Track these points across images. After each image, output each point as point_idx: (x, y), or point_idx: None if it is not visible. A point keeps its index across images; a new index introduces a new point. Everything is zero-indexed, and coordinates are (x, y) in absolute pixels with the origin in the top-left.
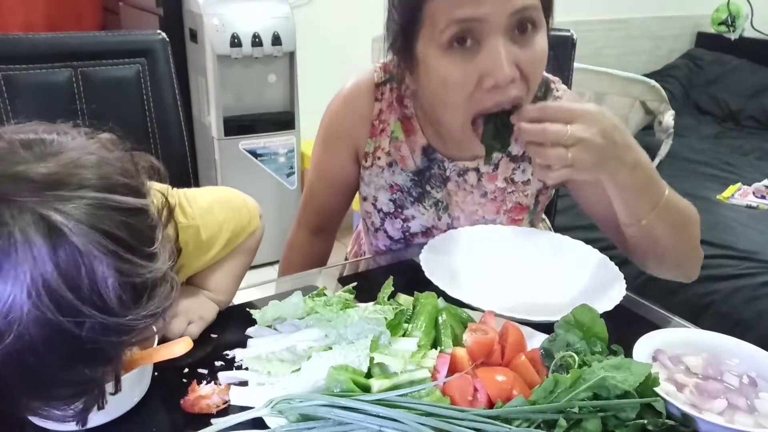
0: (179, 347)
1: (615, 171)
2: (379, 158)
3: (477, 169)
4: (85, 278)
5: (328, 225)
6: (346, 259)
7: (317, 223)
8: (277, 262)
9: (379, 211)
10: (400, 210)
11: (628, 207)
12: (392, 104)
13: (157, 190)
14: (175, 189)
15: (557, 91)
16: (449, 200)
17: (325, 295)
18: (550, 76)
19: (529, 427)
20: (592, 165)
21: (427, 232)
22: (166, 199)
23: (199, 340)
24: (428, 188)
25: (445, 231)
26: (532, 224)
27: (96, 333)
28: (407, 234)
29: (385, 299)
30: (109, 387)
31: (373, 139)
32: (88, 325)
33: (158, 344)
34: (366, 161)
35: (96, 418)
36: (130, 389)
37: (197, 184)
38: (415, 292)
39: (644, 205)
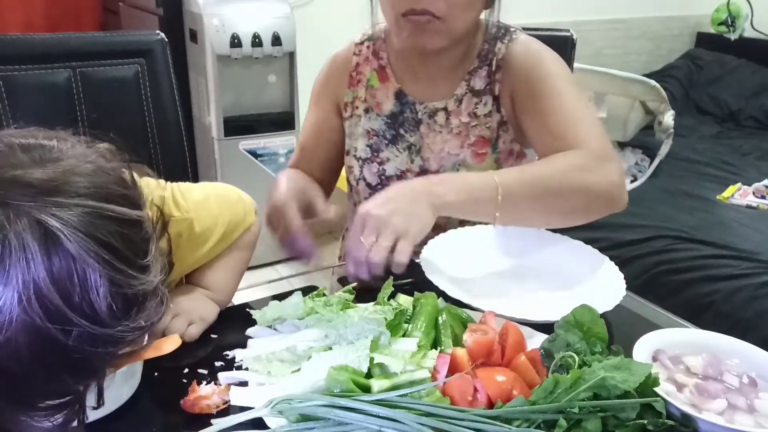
0: (168, 345)
1: (443, 201)
2: (357, 107)
3: (445, 108)
4: (77, 286)
5: (319, 175)
6: (340, 258)
7: (307, 169)
8: (277, 262)
9: (359, 159)
10: (376, 154)
11: (480, 216)
12: (368, 58)
13: (154, 203)
14: (168, 183)
15: (515, 34)
16: (422, 143)
17: (325, 295)
18: (516, 26)
19: (529, 427)
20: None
21: (402, 176)
22: (161, 212)
23: (200, 341)
24: (402, 132)
25: (417, 174)
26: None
27: (83, 343)
28: (383, 178)
29: (385, 299)
30: (92, 401)
31: (351, 90)
32: (75, 334)
33: None
34: (346, 112)
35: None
36: (119, 387)
37: None
38: (415, 292)
39: (487, 206)
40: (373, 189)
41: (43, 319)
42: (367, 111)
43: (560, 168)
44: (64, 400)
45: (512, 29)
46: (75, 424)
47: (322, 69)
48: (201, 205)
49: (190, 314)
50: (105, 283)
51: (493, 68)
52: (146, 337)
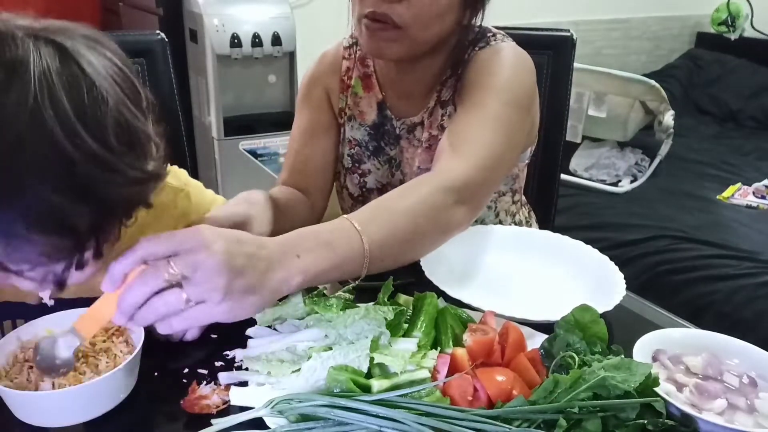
0: (107, 310)
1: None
2: (346, 113)
3: (422, 123)
4: (85, 94)
5: (314, 184)
6: None
7: (297, 182)
8: None
9: (344, 167)
10: (357, 165)
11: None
12: (356, 64)
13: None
14: None
15: (493, 40)
16: (401, 157)
17: (324, 295)
18: (498, 31)
19: (529, 427)
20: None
21: (383, 189)
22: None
23: (199, 341)
24: (382, 144)
25: None
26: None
27: (89, 163)
28: (364, 190)
29: (385, 299)
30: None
31: (344, 95)
32: (82, 150)
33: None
34: (341, 118)
35: (85, 413)
36: (117, 386)
37: None
38: (415, 292)
39: (353, 263)
40: (355, 200)
41: (54, 121)
42: (350, 119)
43: (424, 207)
44: (64, 234)
45: (491, 35)
46: (73, 268)
47: (309, 68)
48: (197, 187)
49: None
50: (112, 102)
51: (459, 76)
52: (149, 190)
